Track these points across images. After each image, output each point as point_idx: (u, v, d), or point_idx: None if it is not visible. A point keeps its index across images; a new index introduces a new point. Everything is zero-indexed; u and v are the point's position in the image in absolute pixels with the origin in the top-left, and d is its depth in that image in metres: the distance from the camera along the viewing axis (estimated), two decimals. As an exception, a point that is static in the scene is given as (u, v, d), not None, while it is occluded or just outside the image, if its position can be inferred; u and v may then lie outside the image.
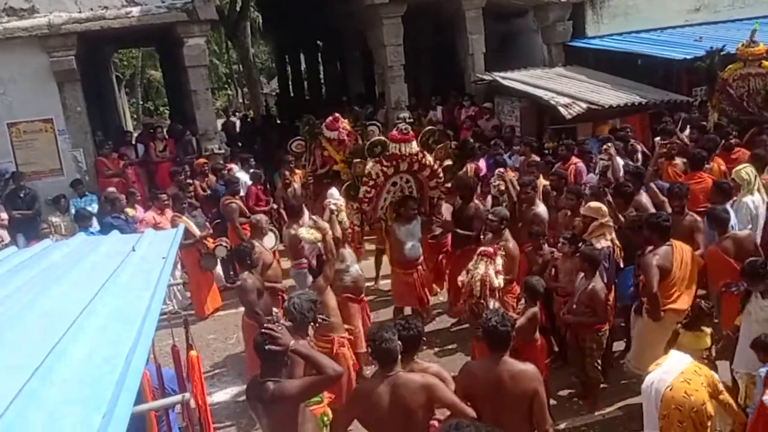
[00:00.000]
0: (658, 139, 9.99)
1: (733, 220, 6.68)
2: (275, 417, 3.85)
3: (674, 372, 4.53)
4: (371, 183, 7.23)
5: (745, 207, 7.12)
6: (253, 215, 8.75)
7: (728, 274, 6.01)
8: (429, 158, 7.39)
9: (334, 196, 7.12)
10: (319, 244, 6.15)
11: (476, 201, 8.05)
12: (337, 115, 8.55)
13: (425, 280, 7.78)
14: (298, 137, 8.34)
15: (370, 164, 7.20)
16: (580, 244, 6.49)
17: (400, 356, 3.92)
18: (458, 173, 8.15)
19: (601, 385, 6.32)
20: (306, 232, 6.27)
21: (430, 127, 8.05)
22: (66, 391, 1.80)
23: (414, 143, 7.21)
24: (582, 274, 6.10)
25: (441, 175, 7.58)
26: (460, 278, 5.99)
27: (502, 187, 8.18)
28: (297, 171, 10.44)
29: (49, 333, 2.23)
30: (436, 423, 3.83)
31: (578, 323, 6.09)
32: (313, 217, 6.50)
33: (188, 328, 3.70)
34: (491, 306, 5.58)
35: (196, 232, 9.22)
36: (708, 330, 5.53)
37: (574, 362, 6.41)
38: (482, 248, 6.10)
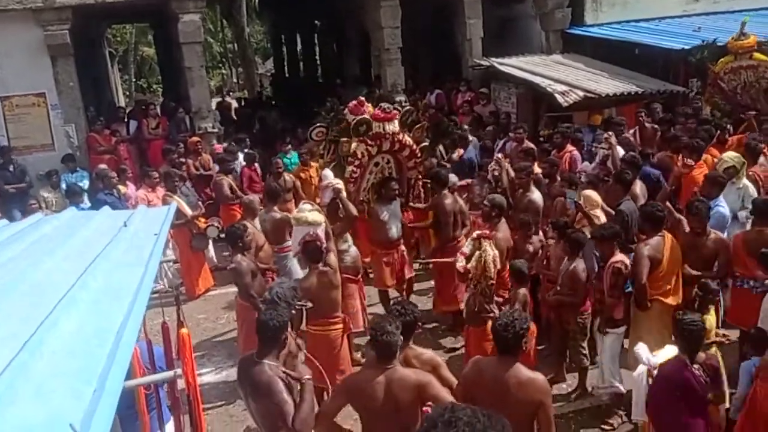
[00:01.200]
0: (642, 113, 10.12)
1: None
2: (261, 406, 3.86)
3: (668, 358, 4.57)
4: (357, 162, 7.25)
5: (735, 191, 7.24)
6: (246, 196, 8.69)
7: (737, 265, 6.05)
8: (408, 138, 7.45)
9: (329, 177, 7.10)
10: (321, 226, 6.10)
11: (450, 194, 7.71)
12: (361, 98, 8.06)
13: (405, 260, 7.85)
14: (320, 124, 7.72)
15: (354, 144, 7.22)
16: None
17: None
18: (436, 171, 7.95)
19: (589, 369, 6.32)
20: (311, 215, 6.22)
21: (407, 108, 7.98)
22: (56, 363, 1.77)
23: (396, 122, 7.28)
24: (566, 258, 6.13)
25: (419, 154, 7.69)
26: (460, 264, 5.84)
27: (497, 173, 8.15)
28: (312, 164, 9.82)
29: (39, 306, 2.19)
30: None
31: (561, 306, 6.16)
32: (307, 201, 6.45)
33: (180, 306, 3.67)
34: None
35: (188, 211, 9.16)
36: (712, 309, 5.54)
37: (557, 347, 6.50)
38: (479, 231, 6.10)
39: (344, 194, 6.86)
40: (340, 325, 5.90)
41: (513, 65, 13.25)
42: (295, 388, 3.92)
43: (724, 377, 4.58)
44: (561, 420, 5.77)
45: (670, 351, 4.73)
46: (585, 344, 6.18)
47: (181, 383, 3.31)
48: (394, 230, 7.58)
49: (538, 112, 12.68)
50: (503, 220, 6.77)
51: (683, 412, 4.41)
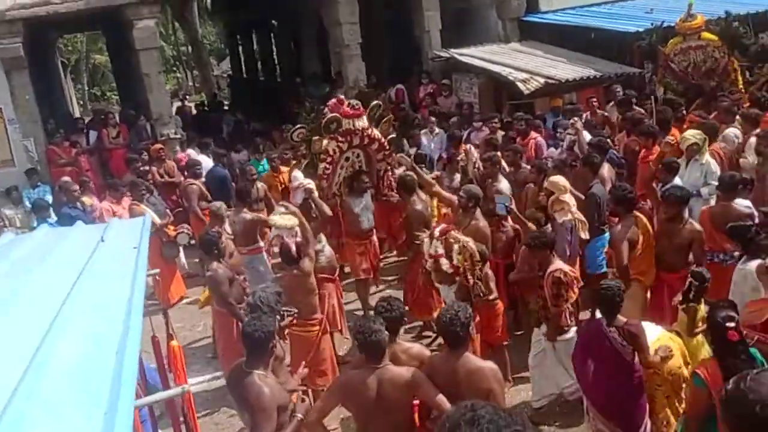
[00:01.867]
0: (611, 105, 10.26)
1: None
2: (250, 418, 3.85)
3: (650, 339, 4.67)
4: (329, 159, 7.43)
5: (698, 166, 7.36)
6: (213, 202, 8.56)
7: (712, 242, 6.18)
8: (377, 132, 7.63)
9: (300, 178, 7.13)
10: (297, 228, 6.07)
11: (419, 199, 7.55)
12: (341, 96, 8.28)
13: (376, 250, 8.04)
14: (300, 125, 7.77)
15: (326, 141, 7.39)
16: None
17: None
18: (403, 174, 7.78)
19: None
20: (281, 218, 6.18)
21: (375, 102, 8.08)
22: (63, 387, 1.75)
23: (364, 118, 7.46)
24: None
25: (388, 147, 7.85)
26: (445, 266, 5.72)
27: (464, 164, 8.20)
28: (283, 169, 9.90)
29: (31, 327, 2.16)
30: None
31: (523, 285, 6.25)
32: (283, 203, 6.40)
33: (168, 318, 3.63)
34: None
35: (157, 220, 9.02)
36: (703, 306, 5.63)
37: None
38: (441, 227, 6.10)
39: (316, 194, 6.90)
40: (317, 327, 5.87)
41: (473, 55, 13.35)
42: (289, 401, 3.92)
43: (650, 344, 4.66)
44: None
45: (648, 329, 4.84)
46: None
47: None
48: (366, 222, 7.75)
49: (500, 101, 12.81)
50: (479, 210, 6.80)
51: (605, 374, 4.61)
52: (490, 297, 5.91)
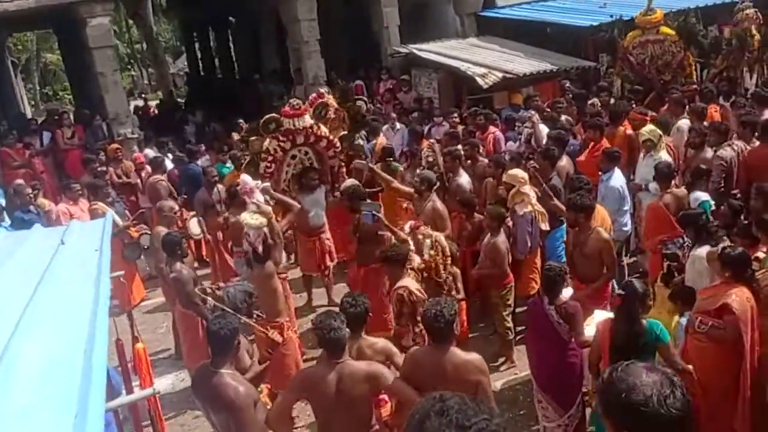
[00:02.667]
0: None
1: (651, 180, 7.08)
2: (222, 418, 3.85)
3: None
4: (270, 158, 7.52)
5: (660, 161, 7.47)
6: (159, 201, 8.37)
7: (666, 229, 6.29)
8: (324, 129, 7.68)
9: (249, 182, 7.14)
10: (265, 228, 6.03)
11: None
12: (321, 91, 8.27)
13: (326, 248, 8.06)
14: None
15: (267, 141, 7.47)
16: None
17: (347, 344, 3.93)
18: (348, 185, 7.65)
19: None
20: (250, 217, 6.14)
21: (321, 101, 8.09)
22: (32, 394, 1.74)
23: (307, 117, 7.51)
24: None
25: (338, 144, 7.90)
26: (417, 261, 5.72)
27: (431, 159, 8.27)
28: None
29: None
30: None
31: (484, 278, 6.41)
32: (255, 201, 6.35)
33: (133, 321, 3.60)
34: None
35: (119, 221, 8.87)
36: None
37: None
38: (411, 224, 6.16)
39: (272, 192, 6.86)
40: (277, 330, 5.72)
41: (431, 51, 13.45)
42: (258, 395, 3.94)
43: (584, 324, 4.88)
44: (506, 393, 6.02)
45: (599, 316, 5.00)
46: (508, 316, 6.41)
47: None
48: (316, 218, 7.82)
49: (459, 96, 12.93)
50: (433, 192, 6.88)
51: (545, 350, 4.90)
52: (458, 296, 5.94)
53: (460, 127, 10.13)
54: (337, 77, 14.64)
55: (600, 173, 7.33)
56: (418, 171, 7.69)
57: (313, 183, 7.69)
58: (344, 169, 8.18)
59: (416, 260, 5.73)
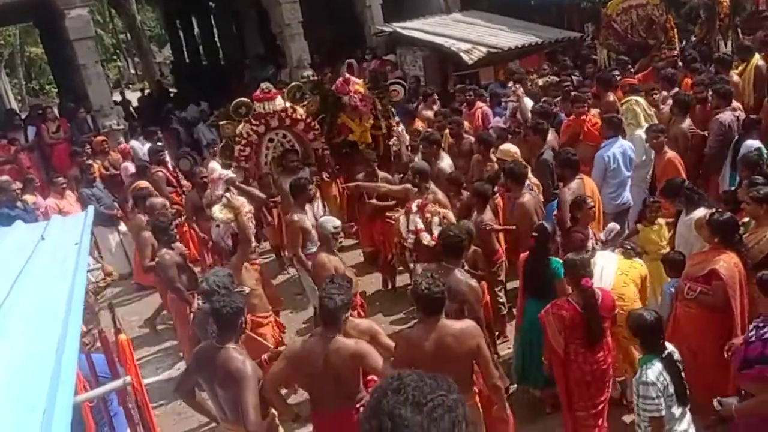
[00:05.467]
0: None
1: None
2: (230, 393, 3.88)
3: (611, 269, 4.91)
4: (244, 142, 7.59)
5: (639, 139, 7.43)
6: (150, 199, 8.11)
7: None
8: (300, 112, 7.64)
9: (218, 169, 7.16)
10: (233, 223, 6.00)
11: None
12: (348, 76, 8.12)
13: None
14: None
15: (241, 125, 7.53)
16: (495, 189, 6.68)
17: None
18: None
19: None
20: (219, 211, 6.12)
21: (294, 83, 8.08)
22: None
23: (278, 100, 7.50)
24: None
25: (316, 127, 7.82)
26: (426, 240, 5.77)
27: (396, 148, 8.10)
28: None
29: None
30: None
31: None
32: (227, 194, 6.32)
33: (114, 312, 3.58)
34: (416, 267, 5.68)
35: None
36: (663, 221, 5.82)
37: None
38: (417, 202, 6.11)
39: (237, 183, 6.89)
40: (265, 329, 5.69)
41: (415, 28, 13.36)
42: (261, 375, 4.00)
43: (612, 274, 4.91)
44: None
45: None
46: (500, 291, 6.40)
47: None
48: None
49: (445, 73, 12.86)
50: (431, 183, 6.78)
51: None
52: (479, 273, 5.78)
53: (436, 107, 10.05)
54: (320, 60, 14.56)
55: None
56: (411, 164, 7.45)
57: (293, 165, 7.62)
58: (328, 153, 8.06)
59: (426, 239, 5.67)
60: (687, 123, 7.33)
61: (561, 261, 4.84)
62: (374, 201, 7.51)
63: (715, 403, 3.82)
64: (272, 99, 7.48)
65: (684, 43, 11.61)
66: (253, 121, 7.52)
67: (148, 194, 8.71)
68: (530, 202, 6.07)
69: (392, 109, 8.43)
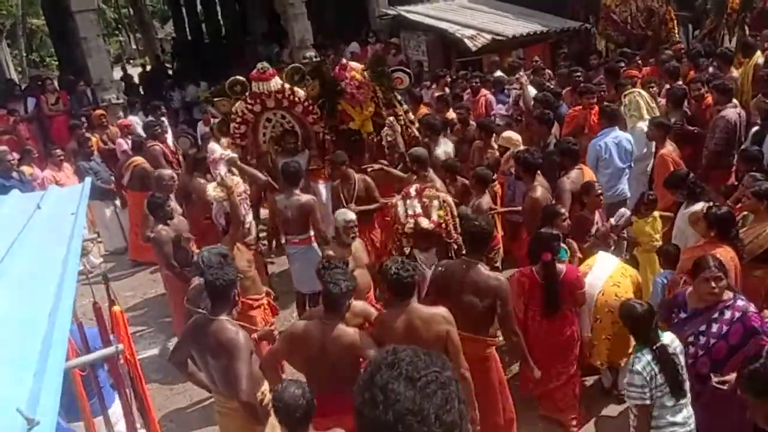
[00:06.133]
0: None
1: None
2: (222, 364, 3.89)
3: (603, 277, 4.84)
4: (239, 120, 7.52)
5: (640, 132, 7.39)
6: (158, 169, 8.25)
7: None
8: (300, 94, 7.49)
9: (217, 150, 7.13)
10: (225, 203, 5.96)
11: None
12: (344, 61, 7.72)
13: None
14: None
15: (238, 103, 7.48)
16: (494, 176, 6.66)
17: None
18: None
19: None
20: (212, 189, 6.08)
21: (294, 65, 7.98)
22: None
23: (275, 80, 7.36)
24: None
25: (316, 111, 7.66)
26: (426, 224, 5.65)
27: (390, 138, 7.67)
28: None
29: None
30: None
31: None
32: (220, 174, 6.29)
33: (109, 284, 3.58)
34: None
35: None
36: (657, 214, 5.82)
37: None
38: (416, 187, 6.04)
39: (239, 163, 6.82)
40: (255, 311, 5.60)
41: (420, 12, 13.28)
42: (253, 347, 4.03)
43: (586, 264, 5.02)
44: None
45: (602, 261, 5.05)
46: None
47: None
48: None
49: (449, 58, 12.79)
50: (431, 171, 6.69)
51: None
52: None
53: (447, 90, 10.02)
54: (323, 41, 14.45)
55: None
56: (409, 152, 7.32)
57: (290, 146, 7.57)
58: (329, 137, 7.89)
59: (425, 223, 5.63)
60: (677, 117, 7.32)
61: (564, 246, 4.99)
62: (353, 206, 6.69)
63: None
64: (268, 79, 7.36)
65: (693, 34, 11.55)
66: (249, 100, 7.44)
67: (143, 171, 8.72)
68: (543, 197, 5.93)
69: (398, 97, 8.06)
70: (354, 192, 6.88)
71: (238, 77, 7.49)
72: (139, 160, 9.01)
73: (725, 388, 3.74)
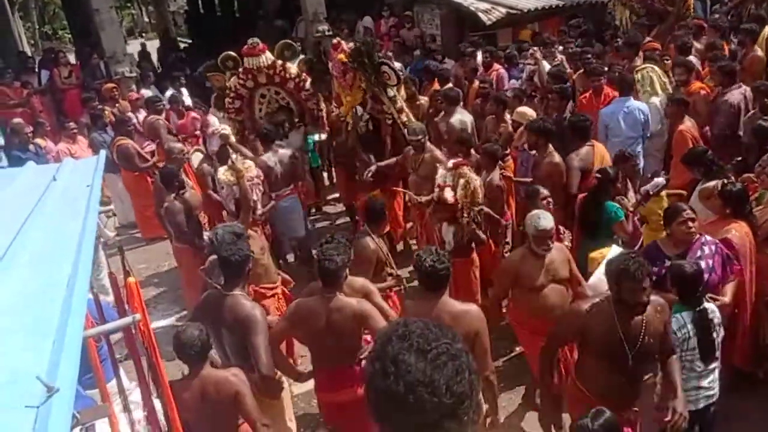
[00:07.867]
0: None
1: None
2: (238, 339, 3.91)
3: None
4: (232, 95, 7.67)
5: (654, 108, 7.30)
6: (168, 143, 8.24)
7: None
8: (292, 70, 7.55)
9: (215, 124, 7.17)
10: (234, 187, 5.95)
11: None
12: (337, 40, 7.39)
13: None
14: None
15: (233, 78, 7.62)
16: (507, 151, 6.61)
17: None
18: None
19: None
20: (222, 172, 6.08)
21: (285, 41, 7.98)
22: (9, 321, 1.74)
23: (265, 56, 7.42)
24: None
25: (307, 87, 7.74)
26: (449, 194, 5.55)
27: (389, 121, 7.34)
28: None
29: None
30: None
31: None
32: (233, 157, 6.27)
33: (124, 255, 3.61)
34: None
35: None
36: (664, 193, 5.78)
37: None
38: (454, 161, 5.97)
39: (233, 139, 6.94)
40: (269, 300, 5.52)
41: (434, -15, 13.12)
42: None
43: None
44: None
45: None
46: (506, 253, 6.29)
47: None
48: None
49: (462, 33, 12.66)
50: (427, 142, 6.68)
51: None
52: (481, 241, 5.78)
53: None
54: (336, 15, 14.29)
55: None
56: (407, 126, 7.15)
57: (281, 122, 7.64)
58: (324, 113, 7.98)
59: (448, 193, 5.54)
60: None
61: (617, 205, 5.38)
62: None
63: None
64: (258, 55, 7.40)
65: (711, 9, 11.32)
66: (241, 76, 7.52)
67: (126, 151, 8.68)
68: (562, 162, 6.01)
69: (390, 93, 7.13)
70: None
71: (230, 52, 7.56)
72: (123, 139, 8.88)
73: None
